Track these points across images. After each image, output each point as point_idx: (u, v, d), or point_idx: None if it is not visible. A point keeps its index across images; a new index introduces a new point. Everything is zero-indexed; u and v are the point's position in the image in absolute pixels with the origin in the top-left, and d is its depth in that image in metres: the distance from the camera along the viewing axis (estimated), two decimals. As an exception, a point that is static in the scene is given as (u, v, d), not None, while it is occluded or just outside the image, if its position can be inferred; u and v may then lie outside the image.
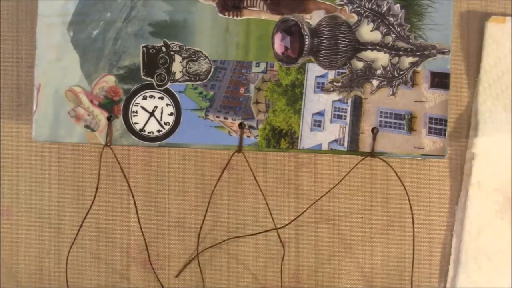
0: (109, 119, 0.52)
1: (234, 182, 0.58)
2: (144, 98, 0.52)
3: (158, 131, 0.52)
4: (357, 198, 0.58)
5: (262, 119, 0.52)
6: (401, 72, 0.51)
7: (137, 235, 0.58)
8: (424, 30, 0.51)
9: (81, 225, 0.56)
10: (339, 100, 0.52)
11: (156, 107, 0.52)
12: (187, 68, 0.52)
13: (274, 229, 0.56)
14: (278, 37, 0.52)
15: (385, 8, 0.51)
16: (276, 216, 0.57)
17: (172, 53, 0.52)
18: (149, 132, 0.52)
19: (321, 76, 0.52)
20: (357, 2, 0.51)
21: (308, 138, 0.52)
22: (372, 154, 0.51)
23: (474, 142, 0.56)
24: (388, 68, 0.51)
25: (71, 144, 0.58)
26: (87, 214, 0.56)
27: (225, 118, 0.52)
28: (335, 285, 0.58)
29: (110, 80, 0.52)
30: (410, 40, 0.51)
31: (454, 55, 0.57)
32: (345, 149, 0.52)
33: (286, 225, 0.56)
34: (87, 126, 0.52)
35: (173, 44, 0.52)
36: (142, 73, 0.52)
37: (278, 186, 0.58)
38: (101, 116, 0.52)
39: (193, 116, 0.52)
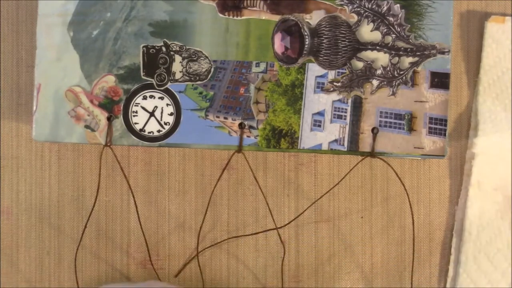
0: (109, 119, 0.52)
1: (234, 182, 0.58)
2: (144, 98, 0.52)
3: (158, 131, 0.52)
4: (357, 198, 0.58)
5: (262, 119, 0.52)
6: (401, 72, 0.51)
7: (137, 235, 0.58)
8: (424, 30, 0.51)
9: (85, 227, 0.56)
10: (339, 100, 0.52)
11: (156, 107, 0.52)
12: (187, 68, 0.52)
13: (274, 229, 0.56)
14: (278, 37, 0.52)
15: (385, 8, 0.51)
16: (276, 216, 0.57)
17: (172, 53, 0.52)
18: (149, 132, 0.52)
19: (321, 76, 0.52)
20: (357, 2, 0.51)
21: (308, 138, 0.52)
22: (372, 154, 0.51)
23: (474, 142, 0.56)
24: (388, 68, 0.51)
25: (71, 144, 0.58)
26: (90, 215, 0.56)
27: (225, 118, 0.52)
28: (335, 285, 0.58)
29: (110, 80, 0.52)
30: (410, 40, 0.51)
31: (454, 55, 0.57)
32: (345, 149, 0.52)
33: (286, 224, 0.56)
34: (87, 126, 0.52)
35: (173, 44, 0.52)
36: (142, 73, 0.52)
37: (278, 186, 0.58)
38: (101, 116, 0.52)
39: (193, 116, 0.52)
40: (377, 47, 0.51)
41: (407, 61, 0.51)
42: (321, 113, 0.52)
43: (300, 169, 0.58)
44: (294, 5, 0.52)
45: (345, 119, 0.52)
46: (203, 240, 0.58)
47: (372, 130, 0.51)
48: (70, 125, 0.52)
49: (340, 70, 0.52)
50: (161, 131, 0.52)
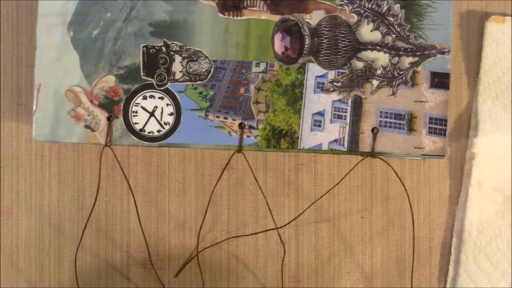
0: (109, 119, 0.52)
1: (234, 182, 0.58)
2: (144, 98, 0.52)
3: (158, 131, 0.52)
4: (357, 198, 0.58)
5: (262, 119, 0.52)
6: (401, 72, 0.51)
7: (137, 235, 0.58)
8: (424, 30, 0.51)
9: (85, 227, 0.56)
10: (339, 100, 0.52)
11: (156, 107, 0.52)
12: (187, 68, 0.52)
13: (275, 229, 0.56)
14: (278, 37, 0.52)
15: (385, 8, 0.51)
16: (276, 216, 0.57)
17: (172, 53, 0.52)
18: (149, 132, 0.52)
19: (321, 76, 0.52)
20: (357, 2, 0.51)
21: (308, 138, 0.52)
22: (372, 154, 0.51)
23: (474, 142, 0.56)
24: (388, 68, 0.51)
25: (71, 144, 0.58)
26: (90, 215, 0.56)
27: (225, 118, 0.52)
28: (335, 285, 0.58)
29: (110, 80, 0.52)
30: (410, 40, 0.51)
31: (454, 55, 0.57)
32: (345, 149, 0.52)
33: (286, 224, 0.56)
34: (87, 126, 0.52)
35: (173, 44, 0.52)
36: (142, 73, 0.52)
37: (278, 186, 0.58)
38: (101, 116, 0.52)
39: (193, 116, 0.52)
40: (377, 47, 0.51)
41: (407, 61, 0.51)
42: (321, 113, 0.52)
43: (300, 169, 0.58)
44: (294, 5, 0.52)
45: (345, 119, 0.52)
46: (203, 240, 0.58)
47: (372, 130, 0.51)
48: (70, 125, 0.52)
49: (340, 70, 0.52)
50: (161, 131, 0.52)
